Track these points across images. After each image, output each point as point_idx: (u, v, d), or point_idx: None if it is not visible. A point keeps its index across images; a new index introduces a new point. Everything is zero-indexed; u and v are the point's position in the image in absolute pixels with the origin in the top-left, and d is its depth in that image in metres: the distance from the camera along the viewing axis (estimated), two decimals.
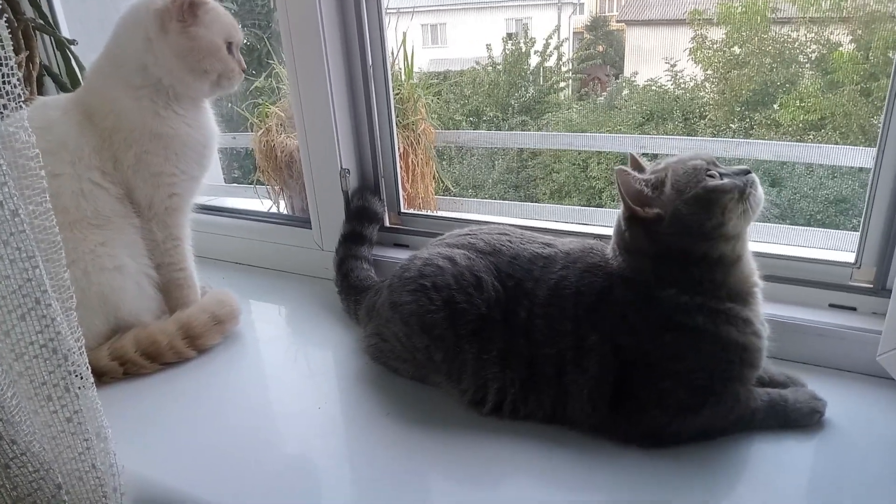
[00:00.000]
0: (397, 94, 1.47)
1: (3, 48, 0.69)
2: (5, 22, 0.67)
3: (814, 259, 1.11)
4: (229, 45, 1.15)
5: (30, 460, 0.74)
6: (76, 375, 0.79)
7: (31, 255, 0.72)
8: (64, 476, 0.79)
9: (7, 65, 0.70)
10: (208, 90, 1.18)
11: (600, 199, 7.18)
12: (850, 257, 1.09)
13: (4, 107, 0.70)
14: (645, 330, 0.87)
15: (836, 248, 1.28)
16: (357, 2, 1.26)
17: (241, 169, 3.01)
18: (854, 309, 1.06)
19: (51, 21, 1.59)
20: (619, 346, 0.88)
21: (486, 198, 7.45)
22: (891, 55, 6.53)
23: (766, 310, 0.93)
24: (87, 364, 0.82)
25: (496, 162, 7.92)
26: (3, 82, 0.70)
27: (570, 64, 10.11)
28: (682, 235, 0.86)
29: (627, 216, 0.90)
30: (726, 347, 0.86)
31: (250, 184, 1.96)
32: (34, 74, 1.51)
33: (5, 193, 0.69)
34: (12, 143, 0.71)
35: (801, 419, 0.90)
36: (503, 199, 7.54)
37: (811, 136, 6.65)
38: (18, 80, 0.72)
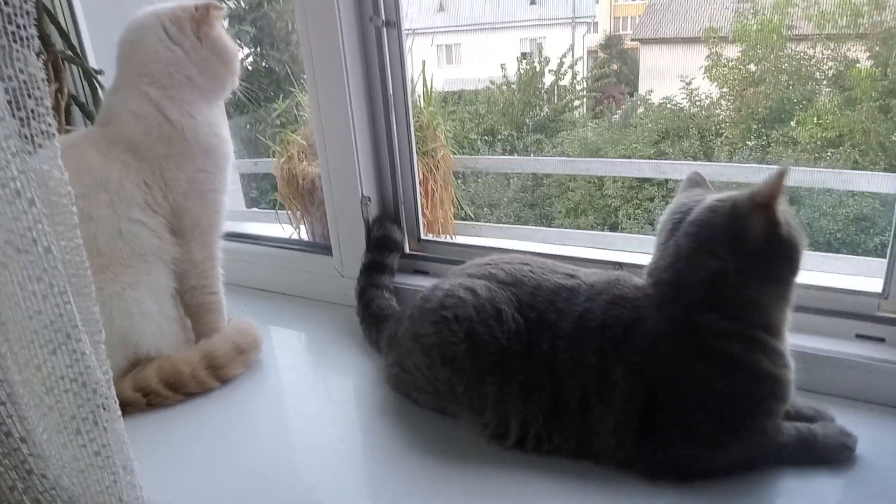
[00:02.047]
0: (416, 121, 1.49)
1: (39, 88, 0.71)
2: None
3: (840, 289, 1.09)
4: None
5: (59, 494, 0.75)
6: (104, 409, 0.80)
7: (62, 290, 0.73)
8: None
9: (42, 104, 0.72)
10: (227, 91, 1.24)
11: (616, 216, 7.16)
12: (878, 286, 1.07)
13: (40, 145, 0.71)
14: (677, 359, 0.86)
15: (861, 274, 1.26)
16: (378, 33, 1.28)
17: (259, 189, 3.05)
18: (882, 340, 1.05)
19: (79, 52, 1.63)
20: (647, 378, 0.87)
21: (501, 216, 7.46)
22: None
23: (793, 340, 0.92)
24: (115, 397, 0.83)
25: (511, 180, 7.94)
26: (38, 121, 0.71)
27: (585, 82, 10.16)
28: (768, 269, 0.85)
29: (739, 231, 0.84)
30: (758, 379, 0.85)
31: (268, 204, 1.98)
32: (62, 104, 1.55)
33: (39, 231, 0.71)
34: (46, 180, 0.73)
35: (831, 455, 0.88)
36: (518, 217, 7.54)
37: (829, 154, 6.59)
38: (53, 117, 0.73)
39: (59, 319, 0.74)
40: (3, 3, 0.66)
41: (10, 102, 0.68)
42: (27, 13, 0.66)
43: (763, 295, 0.86)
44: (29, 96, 0.70)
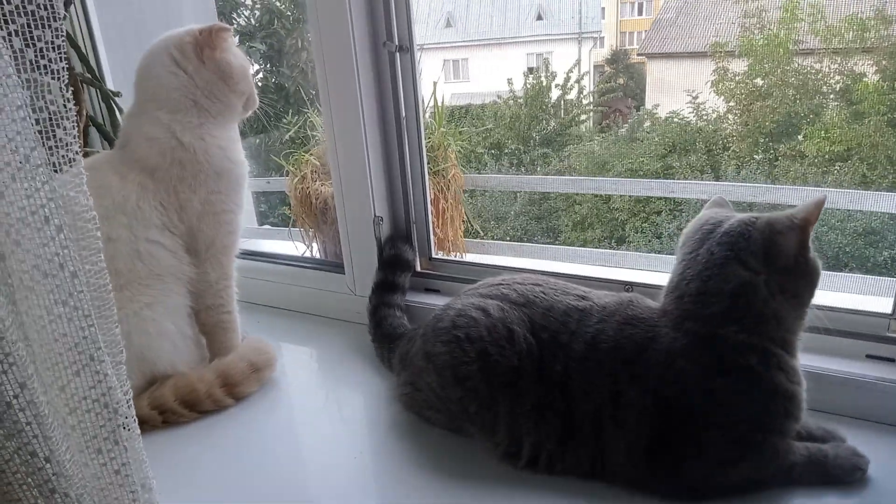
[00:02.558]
0: (428, 141, 1.51)
1: (68, 118, 0.73)
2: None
3: (850, 309, 1.10)
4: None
5: None
6: (125, 428, 0.81)
7: (87, 313, 0.75)
8: None
9: (70, 134, 0.74)
10: (241, 112, 1.25)
11: (623, 230, 7.15)
12: (887, 307, 1.08)
13: (61, 168, 0.74)
14: (694, 375, 0.87)
15: (871, 293, 1.27)
16: (391, 58, 1.30)
17: (268, 203, 3.08)
18: (892, 360, 1.05)
19: (97, 74, 1.66)
20: (660, 398, 0.88)
21: (508, 230, 7.47)
22: None
23: (803, 361, 0.93)
24: (135, 417, 0.84)
25: (518, 194, 7.95)
26: (65, 150, 0.74)
27: (591, 97, 10.19)
28: (792, 286, 0.88)
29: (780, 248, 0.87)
30: (774, 395, 0.86)
31: (277, 219, 2.00)
32: (80, 126, 1.58)
33: (65, 256, 0.73)
34: (72, 206, 0.75)
35: (842, 476, 0.89)
36: (525, 230, 7.55)
37: (837, 168, 6.58)
38: (79, 144, 0.76)
39: (84, 342, 0.76)
40: (35, 38, 0.69)
41: (40, 132, 0.70)
42: (58, 47, 0.69)
43: (784, 310, 0.88)
44: (58, 126, 0.73)
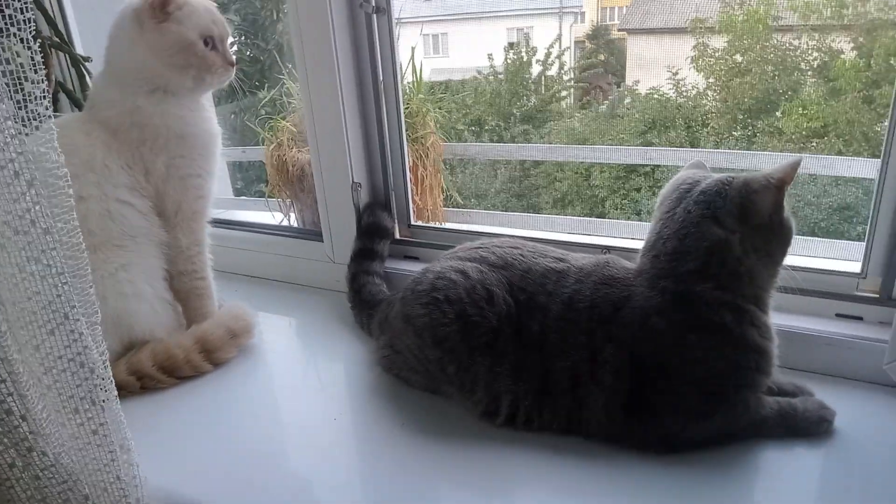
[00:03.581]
0: (406, 108, 1.50)
1: (36, 72, 0.72)
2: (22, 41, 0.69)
3: (820, 269, 1.12)
4: (210, 40, 1.16)
5: (59, 472, 0.76)
6: (101, 389, 0.81)
7: (60, 271, 0.75)
8: (90, 487, 0.80)
9: (39, 87, 0.73)
10: (192, 85, 1.18)
11: (603, 207, 7.20)
12: (857, 267, 1.11)
13: (36, 127, 0.72)
14: (668, 333, 0.89)
15: (841, 258, 1.30)
16: (368, 19, 1.29)
17: (244, 179, 3.04)
18: (861, 319, 1.08)
19: (66, 39, 1.62)
20: (635, 356, 0.90)
21: (489, 207, 7.49)
22: (893, 63, 6.56)
23: (775, 319, 0.95)
24: (112, 377, 0.84)
25: (498, 171, 7.95)
26: (35, 103, 0.72)
27: (572, 73, 10.17)
28: (766, 245, 0.91)
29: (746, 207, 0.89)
30: (746, 350, 0.88)
31: (253, 196, 1.98)
32: (50, 91, 1.54)
33: (37, 212, 0.72)
34: (43, 162, 0.74)
35: (810, 427, 0.92)
36: (506, 208, 7.57)
37: (814, 144, 6.67)
38: (49, 101, 0.74)
39: (57, 300, 0.75)
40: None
41: (7, 85, 0.69)
42: (61, 9, 0.67)
43: (757, 269, 0.90)
44: (26, 79, 0.71)
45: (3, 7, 0.68)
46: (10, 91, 0.69)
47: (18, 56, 0.70)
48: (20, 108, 0.71)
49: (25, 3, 0.68)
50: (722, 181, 0.91)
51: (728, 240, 0.88)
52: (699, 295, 0.88)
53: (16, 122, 0.70)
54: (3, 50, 0.68)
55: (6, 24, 0.69)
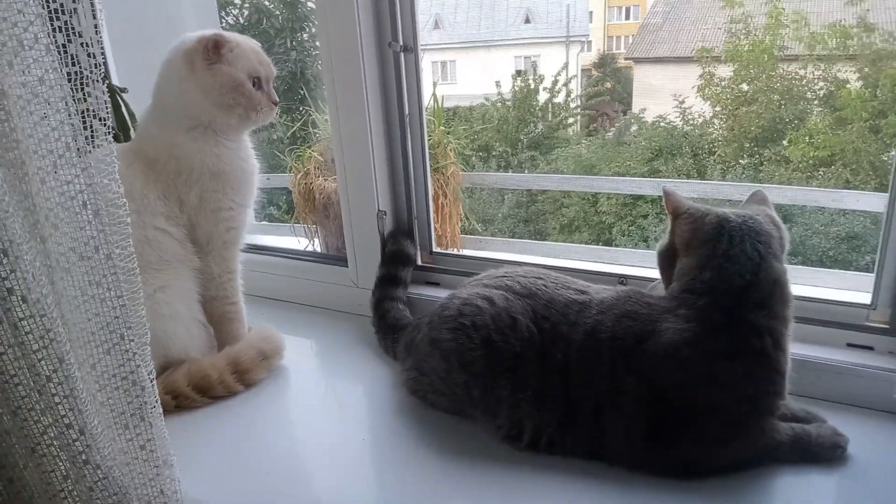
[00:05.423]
0: (429, 139, 1.56)
1: (105, 110, 0.78)
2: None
3: (831, 300, 1.16)
4: (256, 80, 1.22)
5: (110, 484, 0.80)
6: (150, 406, 0.86)
7: (118, 294, 0.80)
8: (137, 500, 0.84)
9: (105, 125, 0.78)
10: (237, 123, 1.23)
11: (610, 234, 7.23)
12: (866, 298, 1.14)
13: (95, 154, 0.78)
14: (697, 363, 0.91)
15: (852, 288, 1.33)
16: (396, 58, 1.35)
17: (257, 203, 3.10)
18: (871, 348, 1.11)
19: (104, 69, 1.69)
20: (657, 386, 0.92)
21: (496, 232, 7.53)
22: None
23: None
24: (157, 396, 0.89)
25: (506, 196, 7.99)
26: (101, 139, 0.78)
27: (579, 100, 10.27)
28: None
29: None
30: (772, 374, 0.92)
31: (264, 219, 2.02)
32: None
33: (100, 240, 0.77)
34: (106, 193, 0.80)
35: (824, 453, 0.95)
36: (513, 233, 7.60)
37: (821, 173, 6.71)
38: (111, 137, 0.80)
39: (115, 322, 0.80)
40: (77, 34, 0.73)
41: (82, 122, 0.75)
42: (99, 42, 0.74)
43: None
44: (95, 117, 0.77)
45: (87, 55, 0.74)
46: (84, 128, 0.75)
47: (90, 96, 0.76)
48: (89, 144, 0.77)
49: (101, 50, 0.74)
50: (771, 219, 0.99)
51: (784, 270, 0.96)
52: (749, 322, 0.92)
53: (84, 157, 0.75)
54: (75, 91, 0.74)
55: (80, 68, 0.75)
